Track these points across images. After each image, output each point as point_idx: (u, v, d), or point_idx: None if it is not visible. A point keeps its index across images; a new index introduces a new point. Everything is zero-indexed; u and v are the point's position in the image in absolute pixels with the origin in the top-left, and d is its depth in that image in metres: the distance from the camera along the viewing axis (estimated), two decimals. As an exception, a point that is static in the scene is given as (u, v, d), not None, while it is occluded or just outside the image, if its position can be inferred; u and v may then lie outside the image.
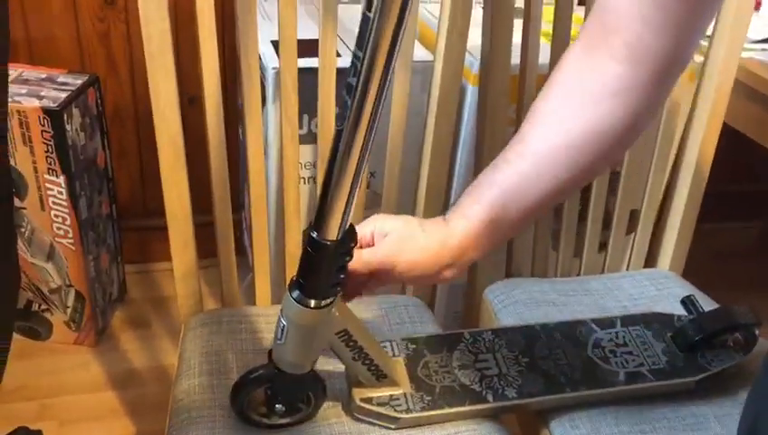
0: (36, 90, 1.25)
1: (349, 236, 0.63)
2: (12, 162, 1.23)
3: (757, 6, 1.29)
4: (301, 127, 0.94)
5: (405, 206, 0.97)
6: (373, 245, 0.69)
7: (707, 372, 0.79)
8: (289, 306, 0.65)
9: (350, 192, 0.59)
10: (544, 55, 0.94)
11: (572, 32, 0.95)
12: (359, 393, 0.74)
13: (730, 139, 1.08)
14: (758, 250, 1.94)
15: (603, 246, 1.07)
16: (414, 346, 0.80)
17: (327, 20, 0.84)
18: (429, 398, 0.75)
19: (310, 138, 1.06)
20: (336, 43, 0.85)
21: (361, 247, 0.69)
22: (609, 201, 1.03)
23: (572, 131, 0.63)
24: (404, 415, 0.73)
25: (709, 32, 0.96)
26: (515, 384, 0.77)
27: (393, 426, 0.74)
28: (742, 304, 0.82)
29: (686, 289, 1.00)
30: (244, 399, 0.71)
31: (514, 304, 0.96)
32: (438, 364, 0.78)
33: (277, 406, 0.71)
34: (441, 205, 0.97)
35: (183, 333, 0.88)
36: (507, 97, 0.95)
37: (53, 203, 1.27)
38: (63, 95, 1.24)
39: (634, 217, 1.06)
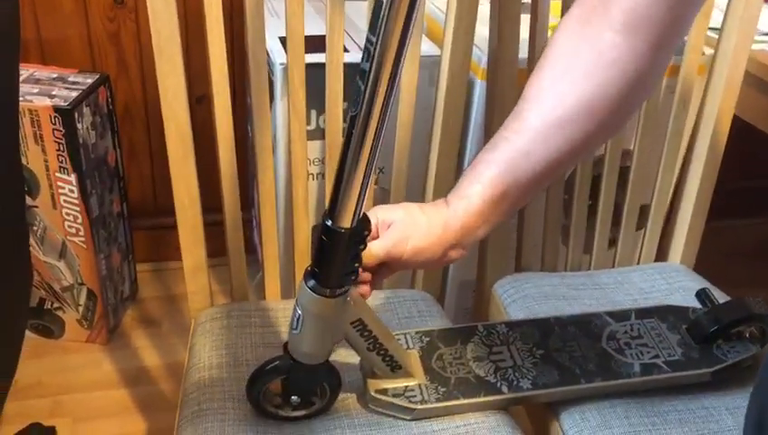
0: (48, 89, 1.26)
1: (363, 225, 0.63)
2: (24, 161, 1.24)
3: (768, -1, 1.28)
4: (309, 123, 0.95)
5: (413, 201, 0.96)
6: (377, 236, 0.70)
7: (723, 363, 0.79)
8: (304, 295, 0.66)
9: (365, 179, 0.59)
10: (552, 49, 0.94)
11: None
12: (373, 385, 0.74)
13: (741, 133, 1.07)
14: (771, 247, 1.93)
15: (613, 242, 1.06)
16: (428, 339, 0.80)
17: (334, 15, 0.84)
18: (444, 389, 0.75)
19: (318, 133, 1.07)
20: (343, 38, 0.86)
21: None
22: (618, 196, 1.03)
23: (568, 105, 0.63)
24: (419, 406, 0.73)
25: (719, 24, 0.96)
26: (530, 376, 0.77)
27: (408, 417, 0.74)
28: (752, 296, 0.82)
29: (698, 283, 0.99)
30: (260, 390, 0.72)
31: (524, 298, 0.95)
32: (453, 356, 0.78)
33: (292, 398, 0.72)
34: (450, 200, 0.97)
35: (193, 327, 0.88)
36: (515, 91, 0.95)
37: (65, 201, 1.28)
38: (74, 94, 1.25)
39: (644, 212, 1.06)
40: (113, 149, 1.40)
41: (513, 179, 0.66)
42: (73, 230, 1.31)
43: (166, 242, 1.62)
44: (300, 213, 0.91)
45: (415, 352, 0.78)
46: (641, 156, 1.01)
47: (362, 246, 0.64)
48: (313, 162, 1.12)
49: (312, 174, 1.12)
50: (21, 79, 1.28)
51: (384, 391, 0.74)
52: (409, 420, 0.74)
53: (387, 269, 0.71)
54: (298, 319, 0.67)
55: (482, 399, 0.75)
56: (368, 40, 0.54)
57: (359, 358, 0.75)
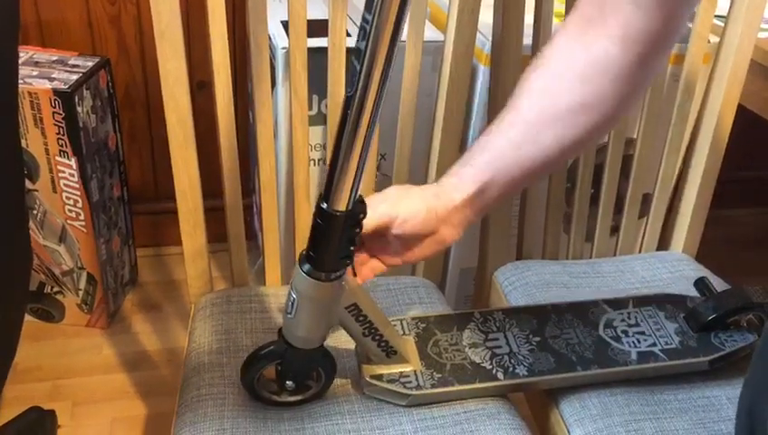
0: (47, 72, 1.25)
1: (358, 207, 0.62)
2: (23, 144, 1.23)
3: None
4: (310, 108, 0.94)
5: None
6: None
7: (721, 352, 0.79)
8: (299, 279, 0.65)
9: (360, 161, 0.59)
10: (557, 35, 0.93)
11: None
12: (369, 371, 0.74)
13: (746, 122, 1.07)
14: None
15: (615, 230, 1.06)
16: (424, 325, 0.80)
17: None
18: (440, 375, 0.74)
19: (320, 119, 1.06)
20: (346, 22, 0.85)
21: None
22: (621, 185, 1.02)
23: (562, 106, 0.66)
24: (414, 392, 0.73)
25: (725, 11, 0.95)
26: (526, 363, 0.76)
27: (403, 403, 0.74)
28: (755, 285, 0.82)
29: (699, 272, 0.99)
30: (255, 375, 0.71)
31: (525, 285, 0.95)
32: (448, 343, 0.78)
33: (287, 383, 0.72)
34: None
35: (193, 312, 0.88)
36: (519, 77, 0.94)
37: (65, 185, 1.28)
38: (74, 77, 1.24)
39: (646, 200, 1.05)
40: (114, 133, 1.40)
41: (503, 167, 0.69)
42: (73, 214, 1.31)
43: (166, 228, 1.62)
44: (301, 199, 0.91)
45: (410, 338, 0.78)
46: (644, 144, 1.00)
47: (358, 230, 0.64)
48: (315, 148, 1.11)
49: (314, 160, 1.11)
50: (20, 61, 1.27)
51: (379, 377, 0.73)
52: (404, 406, 0.74)
53: (381, 241, 0.71)
54: (293, 303, 0.67)
55: (477, 385, 0.75)
56: (363, 18, 0.53)
57: (354, 343, 0.74)
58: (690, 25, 0.98)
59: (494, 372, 0.76)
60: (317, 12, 0.92)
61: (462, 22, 0.87)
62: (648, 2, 0.60)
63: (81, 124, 1.24)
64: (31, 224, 1.31)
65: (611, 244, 1.06)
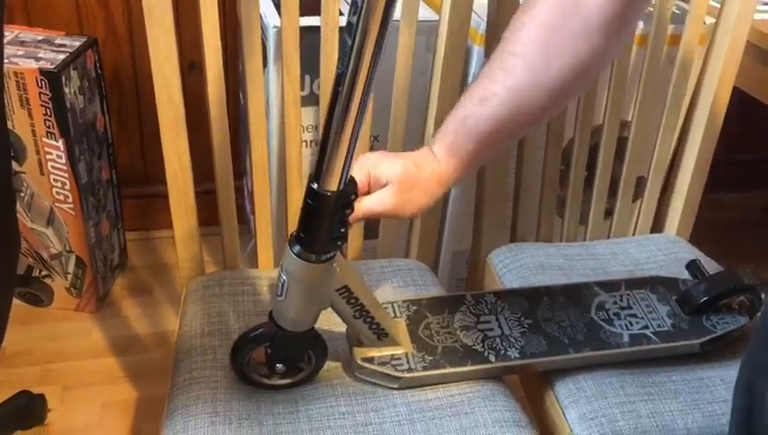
0: (34, 51, 1.23)
1: (350, 188, 0.61)
2: (10, 125, 1.21)
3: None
4: (303, 88, 0.92)
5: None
6: (367, 191, 0.69)
7: (712, 334, 0.79)
8: (289, 261, 0.64)
9: (352, 140, 0.58)
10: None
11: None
12: (360, 353, 0.73)
13: (741, 104, 1.06)
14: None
15: (609, 213, 1.06)
16: (415, 308, 0.80)
17: (330, -24, 0.82)
18: (431, 358, 0.74)
19: (312, 99, 1.05)
20: (339, 1, 0.83)
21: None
22: (615, 167, 1.02)
23: (554, 71, 0.65)
24: (405, 374, 0.72)
25: (722, -8, 0.94)
26: (518, 345, 0.76)
27: (395, 385, 0.73)
28: (747, 267, 0.81)
29: (693, 254, 0.99)
30: (244, 358, 0.71)
31: (519, 268, 0.95)
32: (440, 325, 0.78)
33: (278, 365, 0.71)
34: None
35: (184, 295, 0.87)
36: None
37: (52, 167, 1.26)
38: (61, 57, 1.22)
39: (641, 183, 1.05)
40: (102, 115, 1.37)
41: (471, 115, 0.69)
42: (61, 197, 1.29)
43: (156, 211, 1.60)
44: (293, 181, 0.90)
45: (402, 321, 0.78)
46: (639, 126, 1.00)
47: (349, 211, 0.63)
48: (307, 129, 1.10)
49: (306, 141, 1.10)
50: (5, 41, 1.25)
51: (370, 360, 0.73)
52: (396, 389, 0.73)
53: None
54: (283, 285, 0.66)
55: (469, 368, 0.74)
56: None
57: (345, 326, 0.74)
58: (686, 6, 0.97)
59: (485, 354, 0.75)
60: (309, -10, 0.91)
61: (457, 2, 0.86)
62: None
63: (68, 105, 1.22)
64: (18, 207, 1.30)
65: (605, 227, 1.06)
